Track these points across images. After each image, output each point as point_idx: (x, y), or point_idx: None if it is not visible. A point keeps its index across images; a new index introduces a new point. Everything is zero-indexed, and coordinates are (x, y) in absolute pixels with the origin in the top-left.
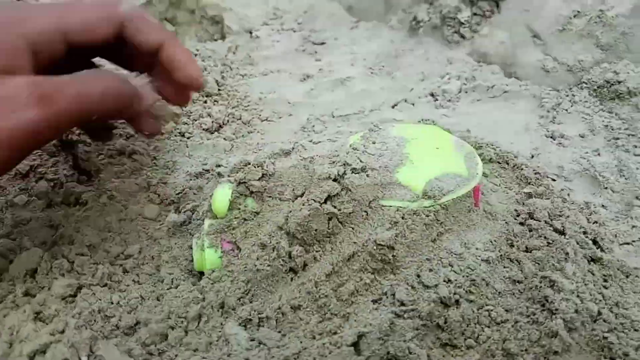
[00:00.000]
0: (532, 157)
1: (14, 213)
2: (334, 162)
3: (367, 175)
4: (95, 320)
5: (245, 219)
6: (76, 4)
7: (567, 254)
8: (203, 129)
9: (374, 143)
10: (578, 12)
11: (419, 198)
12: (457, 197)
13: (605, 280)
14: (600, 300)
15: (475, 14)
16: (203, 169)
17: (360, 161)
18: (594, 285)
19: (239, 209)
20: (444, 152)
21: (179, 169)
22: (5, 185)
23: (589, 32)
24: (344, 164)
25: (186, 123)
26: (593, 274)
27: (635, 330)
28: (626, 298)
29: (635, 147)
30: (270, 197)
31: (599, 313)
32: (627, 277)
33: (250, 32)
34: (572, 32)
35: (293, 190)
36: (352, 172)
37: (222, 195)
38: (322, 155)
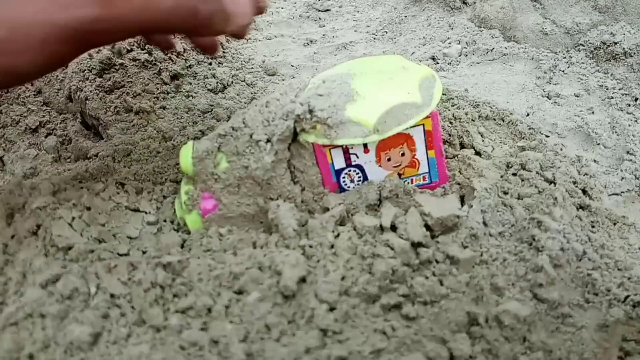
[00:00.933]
0: (528, 115)
1: (24, 166)
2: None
3: (317, 117)
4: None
5: (215, 174)
6: None
7: (555, 199)
8: (208, 89)
9: (323, 82)
10: None
11: (370, 133)
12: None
13: (592, 226)
14: (586, 242)
15: None
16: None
17: (308, 105)
18: (581, 229)
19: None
20: (397, 82)
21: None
22: (16, 140)
23: None
24: (292, 111)
25: (191, 83)
26: (581, 219)
27: (619, 269)
28: (612, 242)
29: (629, 105)
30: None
31: (584, 252)
32: (614, 224)
33: None
34: None
35: (251, 135)
36: (301, 117)
37: (184, 154)
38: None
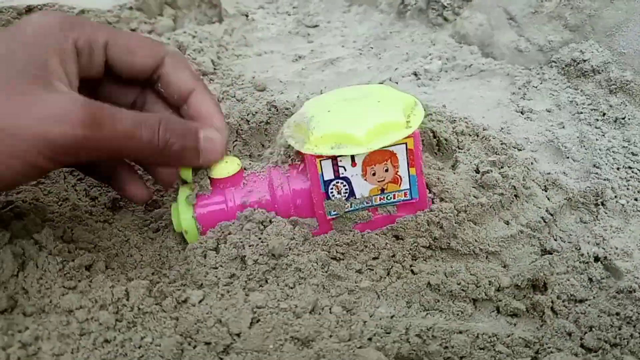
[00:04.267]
0: (501, 129)
1: None
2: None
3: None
4: None
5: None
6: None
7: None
8: None
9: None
10: None
11: (359, 147)
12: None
13: None
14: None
15: None
16: None
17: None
18: None
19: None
20: (384, 105)
21: None
22: None
23: (558, 14)
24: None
25: None
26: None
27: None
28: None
29: (597, 120)
30: None
31: None
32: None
33: (247, 15)
34: (543, 15)
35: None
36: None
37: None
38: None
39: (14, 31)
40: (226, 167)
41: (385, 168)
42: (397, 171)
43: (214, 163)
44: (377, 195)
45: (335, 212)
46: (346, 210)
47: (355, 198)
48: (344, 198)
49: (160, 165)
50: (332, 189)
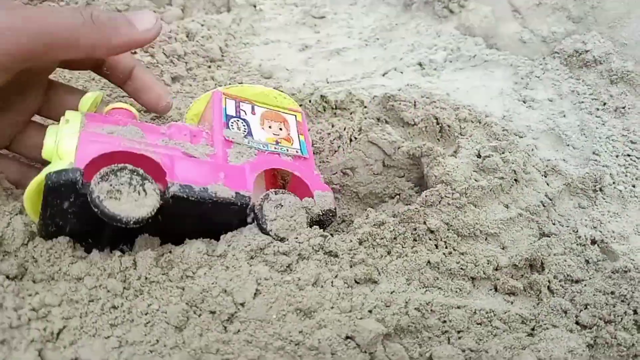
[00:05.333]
0: (504, 117)
1: None
2: None
3: None
4: None
5: None
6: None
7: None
8: (206, 91)
9: None
10: None
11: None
12: None
13: None
14: None
15: None
16: None
17: None
18: None
19: None
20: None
21: None
22: None
23: (562, 5)
24: None
25: (191, 85)
26: None
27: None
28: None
29: (597, 109)
30: None
31: None
32: None
33: (254, 6)
34: (547, 6)
35: None
36: None
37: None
38: None
39: None
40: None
41: (280, 127)
42: (289, 133)
43: (153, 37)
44: (272, 144)
45: (234, 138)
46: (245, 143)
47: (253, 139)
48: (242, 134)
49: (101, 47)
50: (232, 123)
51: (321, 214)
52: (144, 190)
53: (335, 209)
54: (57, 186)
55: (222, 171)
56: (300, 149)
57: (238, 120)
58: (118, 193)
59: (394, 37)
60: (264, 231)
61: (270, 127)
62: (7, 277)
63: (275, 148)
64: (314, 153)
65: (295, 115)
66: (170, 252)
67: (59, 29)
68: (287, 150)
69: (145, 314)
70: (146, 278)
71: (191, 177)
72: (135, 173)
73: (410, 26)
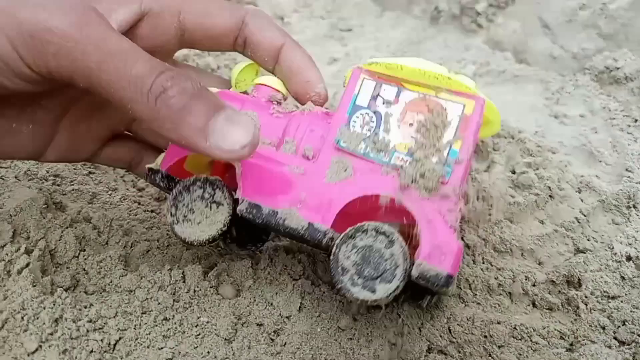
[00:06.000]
0: (536, 133)
1: None
2: None
3: None
4: None
5: None
6: None
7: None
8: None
9: None
10: (583, 4)
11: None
12: None
13: None
14: None
15: (491, 5)
16: None
17: None
18: None
19: None
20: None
21: None
22: None
23: (592, 22)
24: None
25: None
26: None
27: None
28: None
29: (629, 126)
30: None
31: None
32: None
33: (282, 18)
34: (577, 23)
35: None
36: None
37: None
38: None
39: None
40: (272, 80)
41: (428, 125)
42: (439, 134)
43: (230, 160)
44: (402, 153)
45: (345, 145)
46: (358, 150)
47: (375, 144)
48: (362, 136)
49: (153, 128)
50: (357, 117)
51: (427, 283)
52: (215, 202)
53: (453, 275)
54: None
55: (305, 190)
56: (443, 166)
57: (367, 114)
58: (190, 213)
59: (422, 50)
60: (336, 282)
61: (411, 124)
62: (64, 289)
63: (401, 160)
64: None
65: (464, 105)
66: (216, 264)
67: (108, 79)
68: (420, 166)
69: (196, 326)
70: (195, 291)
71: (265, 193)
72: (207, 183)
73: (438, 40)
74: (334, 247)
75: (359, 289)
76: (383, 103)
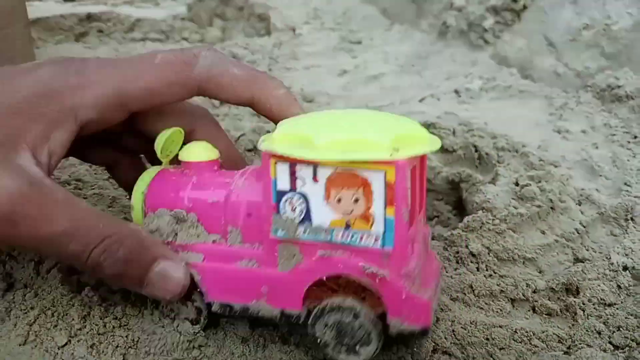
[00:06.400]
0: (539, 147)
1: None
2: None
3: None
4: None
5: None
6: (145, 64)
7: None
8: (252, 114)
9: None
10: (587, 24)
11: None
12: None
13: None
14: None
15: (498, 22)
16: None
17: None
18: None
19: None
20: (369, 122)
21: None
22: None
23: (596, 42)
24: None
25: (238, 107)
26: None
27: None
28: None
29: (629, 142)
30: None
31: None
32: None
33: (294, 30)
34: (581, 42)
35: None
36: None
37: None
38: None
39: (24, 75)
40: (199, 152)
41: (356, 197)
42: (370, 207)
43: (164, 300)
44: (339, 229)
45: (283, 233)
46: (298, 236)
47: (312, 225)
48: (297, 220)
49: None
50: (285, 203)
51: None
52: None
53: (427, 328)
54: None
55: (264, 284)
56: (383, 236)
57: (293, 197)
58: None
59: (430, 64)
60: (322, 353)
61: (339, 200)
62: (91, 287)
63: (342, 238)
64: None
65: (385, 172)
66: None
67: (49, 250)
68: (361, 237)
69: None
70: None
71: (230, 291)
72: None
73: (445, 54)
74: (309, 327)
75: (344, 355)
76: (303, 185)
